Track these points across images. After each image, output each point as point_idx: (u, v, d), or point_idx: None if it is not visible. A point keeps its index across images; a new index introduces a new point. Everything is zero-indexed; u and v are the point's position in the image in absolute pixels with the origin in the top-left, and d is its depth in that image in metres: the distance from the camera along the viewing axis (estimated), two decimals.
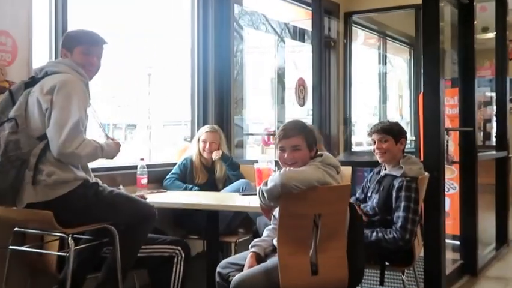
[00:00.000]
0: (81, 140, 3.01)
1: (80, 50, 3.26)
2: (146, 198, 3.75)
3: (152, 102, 7.44)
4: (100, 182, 3.33)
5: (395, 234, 3.54)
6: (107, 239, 3.27)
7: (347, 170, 4.47)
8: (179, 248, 3.63)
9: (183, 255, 3.63)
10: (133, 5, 6.20)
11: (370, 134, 3.88)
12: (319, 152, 3.14)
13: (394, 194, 3.62)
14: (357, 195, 4.06)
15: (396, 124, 3.90)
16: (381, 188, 3.74)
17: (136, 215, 3.29)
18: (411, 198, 3.58)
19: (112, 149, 3.24)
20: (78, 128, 3.00)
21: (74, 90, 3.07)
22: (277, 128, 7.23)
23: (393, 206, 3.61)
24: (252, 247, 3.23)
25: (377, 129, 3.82)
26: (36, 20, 3.91)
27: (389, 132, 3.79)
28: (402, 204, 3.57)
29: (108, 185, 3.45)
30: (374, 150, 3.85)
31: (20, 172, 3.00)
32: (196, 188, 4.60)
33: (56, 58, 3.98)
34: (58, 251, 3.40)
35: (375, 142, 3.83)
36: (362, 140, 9.37)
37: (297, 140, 3.08)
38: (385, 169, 3.84)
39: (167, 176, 4.70)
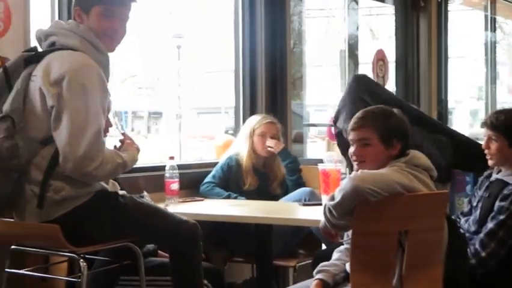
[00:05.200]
0: (102, 157, 3.01)
1: (99, 11, 3.20)
2: None
3: (183, 84, 7.53)
4: (118, 190, 3.39)
5: (469, 248, 3.56)
6: (128, 261, 3.35)
7: None
8: (204, 281, 3.66)
9: None
10: None
11: (483, 126, 3.89)
12: (408, 151, 3.15)
13: (497, 203, 3.62)
14: (464, 208, 4.06)
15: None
16: (487, 195, 3.74)
17: (175, 238, 3.32)
18: None
19: (134, 162, 3.26)
20: (99, 140, 3.00)
21: (91, 82, 3.03)
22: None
23: (491, 215, 3.63)
24: (317, 273, 3.25)
25: (486, 123, 3.81)
26: None
27: (499, 128, 3.76)
28: (500, 217, 3.57)
29: (128, 192, 3.53)
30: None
31: (17, 186, 3.05)
32: (243, 197, 4.66)
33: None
34: (67, 276, 3.50)
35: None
36: (462, 131, 9.24)
37: (364, 133, 3.12)
38: (498, 172, 3.84)
39: (206, 181, 4.78)
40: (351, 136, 3.17)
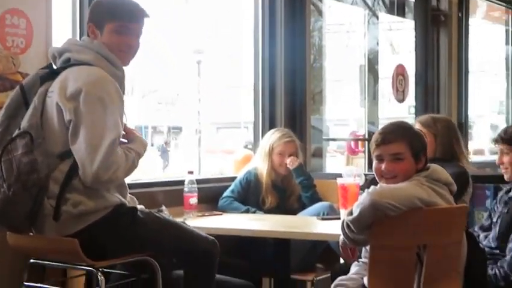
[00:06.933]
0: (117, 161, 3.04)
1: (113, 28, 3.24)
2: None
3: (203, 99, 7.56)
4: (137, 204, 3.40)
5: (497, 271, 3.55)
6: (146, 275, 3.35)
7: None
8: None
9: None
10: None
11: (494, 143, 3.91)
12: (428, 165, 3.14)
13: None
14: (483, 221, 4.06)
15: None
16: (506, 211, 3.73)
17: (192, 253, 3.33)
18: None
19: (145, 148, 3.30)
20: (114, 149, 3.03)
21: (108, 94, 3.08)
22: (367, 132, 7.24)
23: None
24: (335, 287, 3.25)
25: (497, 138, 3.88)
26: None
27: (509, 141, 3.80)
28: None
29: (146, 206, 3.54)
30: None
31: (37, 201, 3.07)
32: (261, 211, 4.67)
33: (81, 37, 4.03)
34: None
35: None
36: (482, 146, 9.24)
37: (398, 147, 3.09)
38: None
39: (224, 195, 4.78)
40: (378, 151, 3.13)
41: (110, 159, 3.01)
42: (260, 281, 4.53)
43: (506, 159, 3.80)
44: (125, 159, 3.09)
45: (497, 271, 3.55)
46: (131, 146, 3.21)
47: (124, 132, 3.26)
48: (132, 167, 3.16)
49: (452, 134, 4.34)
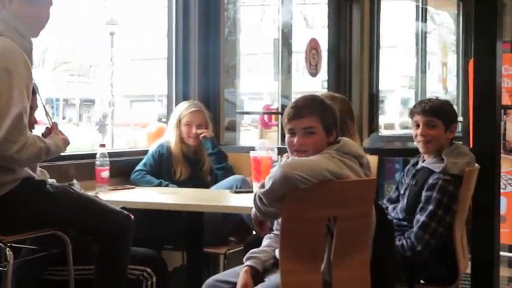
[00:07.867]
0: (24, 139, 2.99)
1: None
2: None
3: (116, 71, 7.47)
4: (48, 178, 3.35)
5: (404, 242, 3.65)
6: (57, 249, 3.32)
7: (372, 161, 4.50)
8: (147, 269, 3.66)
9: (154, 278, 3.67)
10: None
11: (412, 114, 3.89)
12: (339, 138, 3.18)
13: (424, 193, 3.69)
14: (391, 193, 4.13)
15: (449, 105, 3.93)
16: (414, 183, 3.80)
17: (105, 228, 3.31)
18: (442, 203, 3.65)
19: (59, 149, 3.26)
20: (21, 123, 2.98)
21: (15, 66, 3.03)
22: (281, 105, 7.29)
23: (419, 206, 3.69)
24: (246, 260, 3.27)
25: (424, 109, 3.82)
26: None
27: (441, 115, 3.80)
28: (429, 208, 3.65)
29: (57, 180, 3.48)
30: (415, 136, 3.87)
31: None
32: (174, 185, 4.66)
33: None
34: None
35: (418, 126, 3.85)
36: (393, 120, 9.41)
37: (310, 121, 3.11)
38: (423, 160, 3.89)
39: (136, 168, 4.76)
40: (291, 125, 3.14)
41: (17, 133, 2.95)
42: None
43: (432, 131, 3.76)
44: (32, 142, 3.04)
45: (404, 242, 3.65)
46: (47, 139, 3.17)
47: (51, 133, 3.26)
48: (36, 156, 3.10)
49: (348, 113, 4.35)
